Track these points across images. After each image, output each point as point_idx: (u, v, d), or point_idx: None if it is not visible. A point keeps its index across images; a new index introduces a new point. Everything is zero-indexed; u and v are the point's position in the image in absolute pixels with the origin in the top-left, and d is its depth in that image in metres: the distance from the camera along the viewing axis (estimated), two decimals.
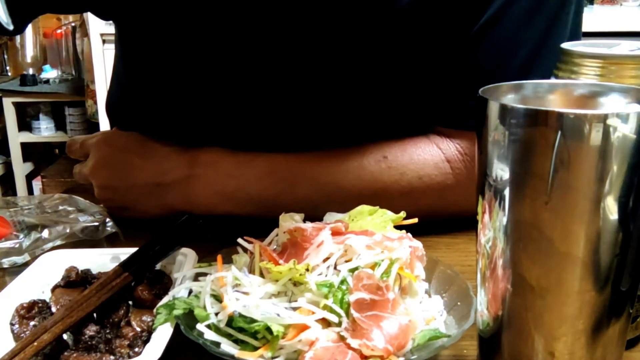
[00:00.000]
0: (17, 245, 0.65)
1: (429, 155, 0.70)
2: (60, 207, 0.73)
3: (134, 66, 0.86)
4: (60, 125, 2.73)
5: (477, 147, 0.39)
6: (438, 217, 0.69)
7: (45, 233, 0.67)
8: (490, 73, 0.70)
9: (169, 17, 0.75)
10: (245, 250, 0.54)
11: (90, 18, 2.31)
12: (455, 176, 0.70)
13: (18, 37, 2.70)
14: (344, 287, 0.46)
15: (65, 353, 0.46)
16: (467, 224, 0.73)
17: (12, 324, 0.50)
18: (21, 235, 0.66)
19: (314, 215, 0.57)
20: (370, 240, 0.50)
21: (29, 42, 2.74)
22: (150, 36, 0.80)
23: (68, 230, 0.68)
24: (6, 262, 0.63)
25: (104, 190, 0.74)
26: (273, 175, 0.71)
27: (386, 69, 0.72)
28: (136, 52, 0.84)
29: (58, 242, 0.67)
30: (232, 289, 0.47)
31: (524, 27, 0.69)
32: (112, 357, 0.46)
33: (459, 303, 0.50)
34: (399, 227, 0.56)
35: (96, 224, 0.69)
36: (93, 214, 0.71)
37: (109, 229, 0.69)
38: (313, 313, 0.45)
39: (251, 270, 0.51)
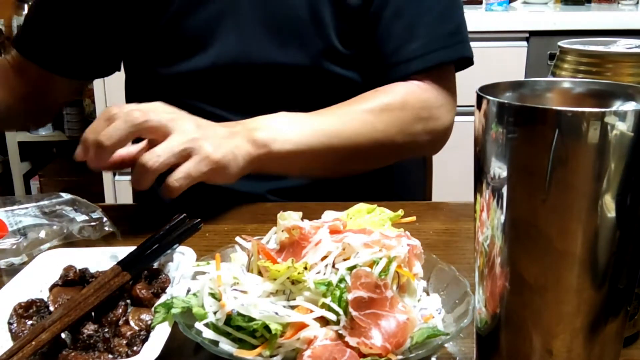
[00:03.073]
0: (14, 247, 0.64)
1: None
2: (58, 207, 0.73)
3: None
4: (57, 125, 2.72)
5: (474, 144, 0.39)
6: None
7: (42, 233, 0.67)
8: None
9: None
10: (243, 248, 0.54)
11: None
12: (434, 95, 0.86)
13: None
14: (342, 285, 0.46)
15: (64, 352, 0.46)
16: (464, 222, 0.73)
17: (10, 323, 0.50)
18: (18, 236, 0.66)
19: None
20: (368, 239, 0.50)
21: None
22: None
23: (65, 231, 0.68)
24: (3, 262, 0.63)
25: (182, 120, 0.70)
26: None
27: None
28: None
29: (55, 242, 0.67)
30: (231, 288, 0.47)
31: None
32: (110, 356, 0.46)
33: (457, 301, 0.50)
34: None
35: (94, 223, 0.69)
36: (90, 213, 0.70)
37: (106, 228, 0.69)
38: (311, 311, 0.45)
39: (249, 269, 0.51)
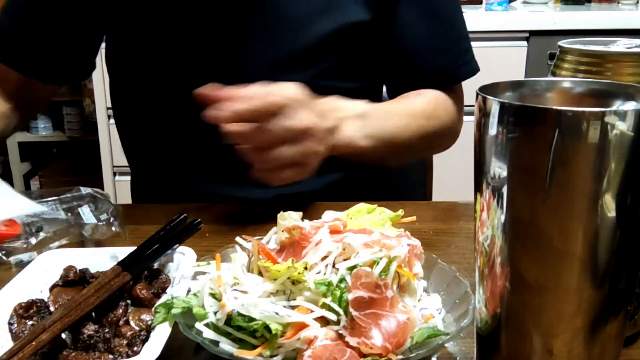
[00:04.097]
0: (25, 245, 0.66)
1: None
2: (75, 203, 0.73)
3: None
4: (57, 125, 2.72)
5: (474, 144, 0.39)
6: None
7: (52, 234, 0.67)
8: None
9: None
10: (243, 249, 0.54)
11: None
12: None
13: None
14: (342, 285, 0.46)
15: (64, 352, 0.46)
16: (464, 221, 0.73)
17: (10, 324, 0.50)
18: (30, 235, 0.67)
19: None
20: (369, 239, 0.50)
21: None
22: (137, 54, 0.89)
23: (74, 230, 0.68)
24: (13, 259, 0.64)
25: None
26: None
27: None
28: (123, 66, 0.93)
29: (64, 242, 0.68)
30: (231, 288, 0.47)
31: None
32: (110, 356, 0.46)
33: (457, 301, 0.50)
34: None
35: (101, 224, 0.69)
36: (101, 215, 0.71)
37: (114, 229, 0.70)
38: (312, 311, 0.45)
39: (250, 269, 0.51)
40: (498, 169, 0.37)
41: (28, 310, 0.51)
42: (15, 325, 0.50)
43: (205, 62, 0.85)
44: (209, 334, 0.46)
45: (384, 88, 0.98)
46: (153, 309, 0.49)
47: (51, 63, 0.94)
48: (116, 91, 0.98)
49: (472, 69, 0.91)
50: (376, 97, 0.95)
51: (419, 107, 0.88)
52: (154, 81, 0.89)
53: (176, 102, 0.88)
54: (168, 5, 0.84)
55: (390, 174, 1.02)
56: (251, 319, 0.45)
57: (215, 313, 0.47)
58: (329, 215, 0.57)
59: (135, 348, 0.47)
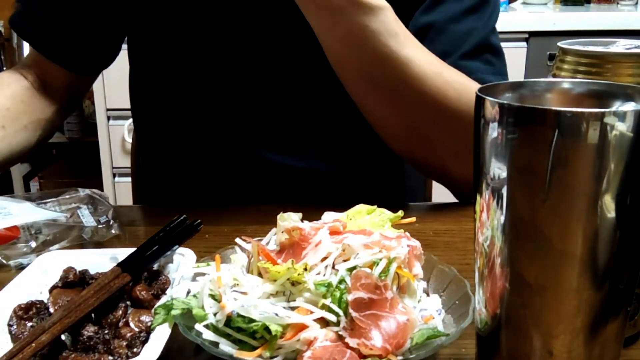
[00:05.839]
0: (25, 249, 0.66)
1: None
2: (74, 204, 0.73)
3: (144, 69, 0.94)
4: None
5: (474, 145, 0.39)
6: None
7: (52, 237, 0.67)
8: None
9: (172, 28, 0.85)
10: (243, 250, 0.54)
11: None
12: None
13: (15, 38, 2.69)
14: (342, 286, 0.46)
15: (64, 354, 0.46)
16: (465, 222, 0.73)
17: (10, 325, 0.50)
18: (29, 238, 0.67)
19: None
20: (368, 240, 0.50)
21: (25, 42, 2.71)
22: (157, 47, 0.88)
23: (74, 233, 0.68)
24: (13, 263, 0.64)
25: None
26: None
27: None
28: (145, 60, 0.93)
29: (65, 244, 0.68)
30: (231, 289, 0.47)
31: None
32: (110, 358, 0.46)
33: (457, 302, 0.50)
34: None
35: (102, 226, 0.69)
36: (100, 217, 0.70)
37: (113, 231, 0.69)
38: (311, 312, 0.45)
39: (249, 270, 0.51)
40: (498, 169, 0.37)
41: (27, 311, 0.51)
42: (15, 326, 0.50)
43: (233, 72, 0.85)
44: (208, 335, 0.46)
45: None
46: (153, 310, 0.49)
47: (87, 54, 0.91)
48: (136, 88, 0.97)
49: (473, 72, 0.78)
50: None
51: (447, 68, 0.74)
52: (177, 85, 0.89)
53: (200, 109, 0.87)
54: (194, 13, 0.84)
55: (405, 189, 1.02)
56: (251, 320, 0.45)
57: (215, 314, 0.47)
58: (329, 216, 0.57)
59: (135, 349, 0.47)
